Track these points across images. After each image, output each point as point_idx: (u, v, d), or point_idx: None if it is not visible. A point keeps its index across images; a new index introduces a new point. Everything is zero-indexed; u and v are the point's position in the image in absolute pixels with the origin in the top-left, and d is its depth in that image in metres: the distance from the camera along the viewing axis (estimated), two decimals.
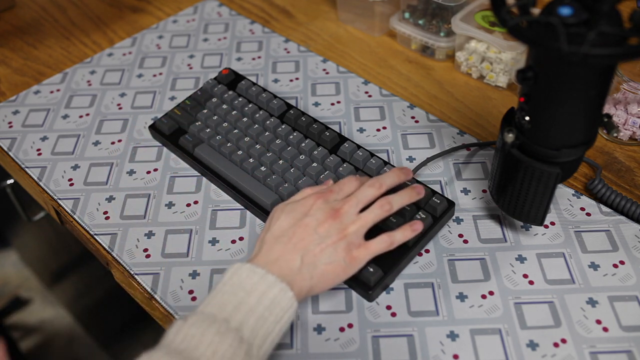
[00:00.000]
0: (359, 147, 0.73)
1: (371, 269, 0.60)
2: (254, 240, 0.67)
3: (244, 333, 0.50)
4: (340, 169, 0.70)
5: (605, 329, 0.58)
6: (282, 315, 0.52)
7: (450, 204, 0.66)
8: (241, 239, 0.67)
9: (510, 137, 0.55)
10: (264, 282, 0.52)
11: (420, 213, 0.65)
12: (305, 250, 0.55)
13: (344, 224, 0.57)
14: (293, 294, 0.52)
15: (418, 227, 0.60)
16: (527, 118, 0.54)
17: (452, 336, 0.58)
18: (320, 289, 0.56)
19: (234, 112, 0.78)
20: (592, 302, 0.60)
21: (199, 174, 0.75)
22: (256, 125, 0.76)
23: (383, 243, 0.58)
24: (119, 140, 0.80)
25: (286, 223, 0.57)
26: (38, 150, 0.80)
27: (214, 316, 0.50)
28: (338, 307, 0.61)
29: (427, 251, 0.65)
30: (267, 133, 0.75)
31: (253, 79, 0.88)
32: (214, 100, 0.81)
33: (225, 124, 0.77)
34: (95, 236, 0.69)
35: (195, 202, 0.72)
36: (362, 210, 0.59)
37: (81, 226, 0.70)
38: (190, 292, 0.63)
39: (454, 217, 0.68)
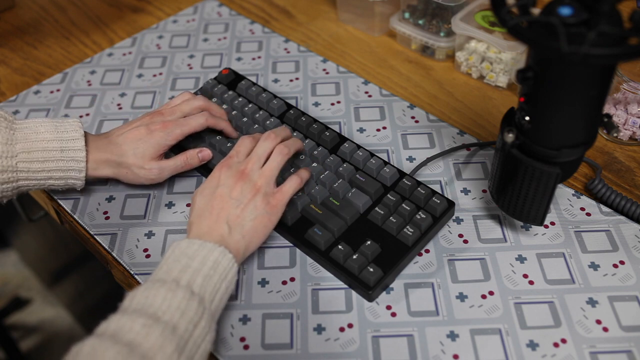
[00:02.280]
0: (359, 147, 0.73)
1: (371, 269, 0.60)
2: None
3: (193, 288, 0.53)
4: (340, 169, 0.70)
5: (605, 329, 0.58)
6: (226, 273, 0.56)
7: (450, 204, 0.66)
8: None
9: (510, 137, 0.55)
10: (203, 249, 0.56)
11: (420, 213, 0.65)
12: (228, 216, 0.59)
13: (254, 180, 0.62)
14: (232, 255, 0.57)
15: (306, 174, 0.67)
16: (527, 118, 0.54)
17: (452, 336, 0.58)
18: (256, 243, 0.60)
19: (234, 112, 0.78)
20: (592, 302, 0.60)
21: (199, 174, 0.75)
22: (256, 126, 0.76)
23: (294, 183, 0.64)
24: None
25: (203, 201, 0.61)
26: None
27: (163, 280, 0.53)
28: (338, 307, 0.61)
29: (427, 251, 0.65)
30: None
31: (253, 79, 0.88)
32: (214, 100, 0.81)
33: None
34: (95, 236, 0.69)
35: None
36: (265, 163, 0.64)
37: (81, 226, 0.70)
38: None
39: (454, 217, 0.68)
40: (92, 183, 0.74)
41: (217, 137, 0.75)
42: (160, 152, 0.68)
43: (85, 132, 0.67)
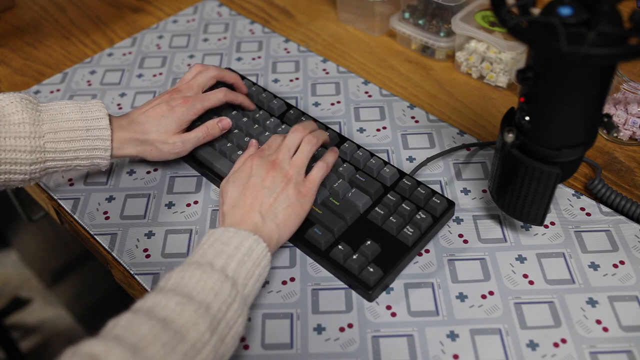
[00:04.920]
0: (359, 147, 0.73)
1: (371, 269, 0.60)
2: None
3: (227, 272, 0.54)
4: (340, 169, 0.70)
5: (605, 329, 0.58)
6: (259, 261, 0.57)
7: (450, 204, 0.66)
8: None
9: (510, 137, 0.55)
10: (238, 236, 0.57)
11: (420, 213, 0.65)
12: (261, 205, 0.60)
13: (285, 170, 0.63)
14: (265, 244, 0.58)
15: (335, 150, 0.69)
16: (527, 118, 0.54)
17: (452, 336, 0.58)
18: (288, 232, 0.61)
19: (234, 112, 0.78)
20: (592, 302, 0.60)
21: (199, 174, 0.75)
22: (256, 125, 0.76)
23: (321, 170, 0.65)
24: None
25: (236, 191, 0.62)
26: None
27: (198, 262, 0.54)
28: (338, 307, 0.61)
29: (427, 251, 0.65)
30: (267, 133, 0.75)
31: (253, 79, 0.88)
32: None
33: None
34: (95, 236, 0.69)
35: (195, 202, 0.72)
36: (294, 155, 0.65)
37: (81, 226, 0.70)
38: None
39: (454, 217, 0.68)
40: (92, 183, 0.74)
41: (233, 112, 0.77)
42: (182, 127, 0.70)
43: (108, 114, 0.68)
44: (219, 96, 0.73)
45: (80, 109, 0.66)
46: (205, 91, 0.75)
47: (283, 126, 0.76)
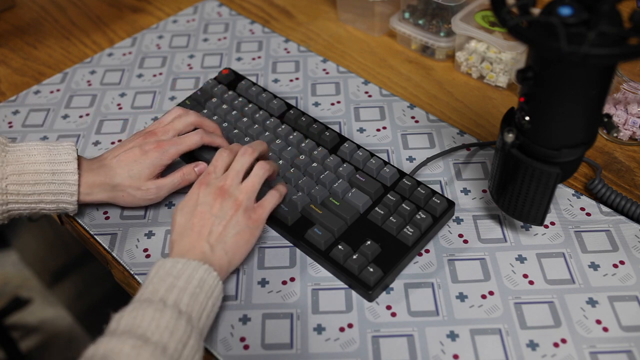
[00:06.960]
0: (359, 147, 0.73)
1: (371, 269, 0.60)
2: None
3: (181, 307, 0.53)
4: (340, 169, 0.70)
5: (605, 329, 0.58)
6: (211, 291, 0.56)
7: (450, 204, 0.66)
8: None
9: (510, 137, 0.55)
10: (188, 267, 0.56)
11: (420, 213, 0.65)
12: (209, 233, 0.59)
13: (234, 196, 0.61)
14: (217, 273, 0.57)
15: (284, 189, 0.67)
16: (527, 118, 0.54)
17: (452, 336, 0.58)
18: (239, 259, 0.61)
19: (234, 112, 0.78)
20: (592, 302, 0.60)
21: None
22: (256, 126, 0.76)
23: (274, 198, 0.64)
24: (119, 141, 0.80)
25: (183, 219, 0.60)
26: None
27: (150, 300, 0.53)
28: (338, 307, 0.61)
29: (427, 251, 0.65)
30: (267, 133, 0.75)
31: (253, 79, 0.88)
32: (214, 100, 0.81)
33: (225, 124, 0.77)
34: (95, 236, 0.69)
35: None
36: (245, 177, 0.63)
37: (81, 226, 0.70)
38: None
39: (454, 217, 0.68)
40: None
41: (213, 153, 0.73)
42: (155, 173, 0.67)
43: (79, 156, 0.66)
44: (195, 139, 0.69)
45: (49, 151, 0.64)
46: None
47: (283, 126, 0.76)
